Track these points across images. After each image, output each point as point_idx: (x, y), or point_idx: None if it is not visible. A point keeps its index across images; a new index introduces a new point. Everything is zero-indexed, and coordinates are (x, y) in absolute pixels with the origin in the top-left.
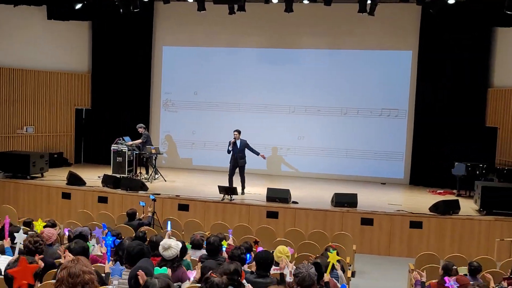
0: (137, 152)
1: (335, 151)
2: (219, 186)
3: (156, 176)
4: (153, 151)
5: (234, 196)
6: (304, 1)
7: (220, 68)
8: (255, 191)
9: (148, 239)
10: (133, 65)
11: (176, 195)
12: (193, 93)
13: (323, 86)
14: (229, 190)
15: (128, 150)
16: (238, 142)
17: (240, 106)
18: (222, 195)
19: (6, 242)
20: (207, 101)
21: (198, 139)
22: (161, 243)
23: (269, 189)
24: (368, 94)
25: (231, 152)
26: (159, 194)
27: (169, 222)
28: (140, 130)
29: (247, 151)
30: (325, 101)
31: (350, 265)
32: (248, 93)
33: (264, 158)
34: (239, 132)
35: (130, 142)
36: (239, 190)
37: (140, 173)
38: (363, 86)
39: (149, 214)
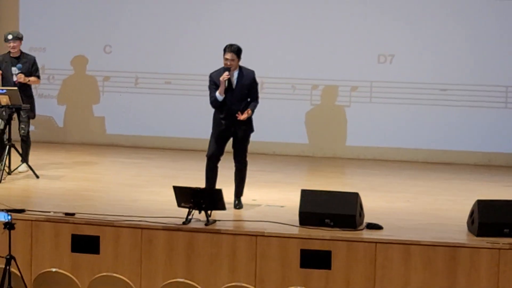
0: None
1: (482, 91)
2: (175, 189)
3: (17, 167)
4: (3, 99)
5: (217, 214)
6: None
7: None
8: (270, 198)
9: None
10: None
11: (66, 213)
12: None
13: None
14: (204, 198)
15: None
16: (235, 77)
17: None
18: (187, 210)
19: None
20: None
21: (120, 64)
22: None
23: (305, 193)
24: None
25: (221, 102)
26: (23, 210)
27: None
28: (15, 46)
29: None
30: None
31: None
32: None
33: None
34: (235, 52)
35: None
36: (229, 197)
37: None
38: None
39: None
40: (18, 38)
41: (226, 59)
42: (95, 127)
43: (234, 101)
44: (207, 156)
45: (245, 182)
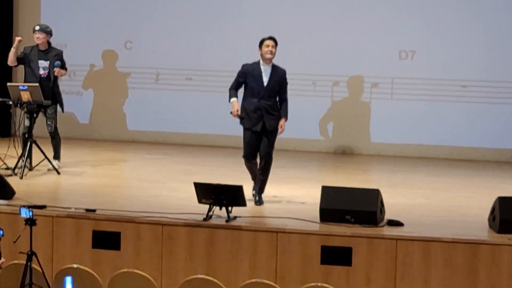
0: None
1: None
2: (196, 185)
3: (39, 163)
4: (24, 95)
5: (237, 210)
6: None
7: None
8: (291, 194)
9: None
10: None
11: (87, 210)
12: None
13: None
14: (224, 194)
15: None
16: (268, 72)
17: None
18: (207, 206)
19: None
20: None
21: (140, 60)
22: None
23: (326, 190)
24: None
25: (249, 89)
26: (44, 207)
27: (68, 279)
28: (39, 37)
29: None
30: None
31: None
32: None
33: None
34: (275, 41)
35: None
36: (249, 192)
37: None
38: None
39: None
40: (45, 31)
41: (267, 46)
42: (116, 123)
43: (265, 97)
44: (243, 156)
45: (267, 180)
